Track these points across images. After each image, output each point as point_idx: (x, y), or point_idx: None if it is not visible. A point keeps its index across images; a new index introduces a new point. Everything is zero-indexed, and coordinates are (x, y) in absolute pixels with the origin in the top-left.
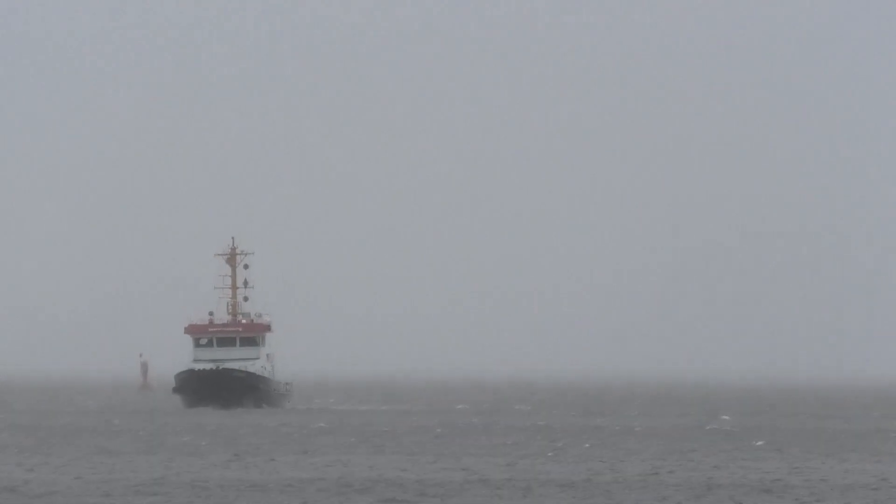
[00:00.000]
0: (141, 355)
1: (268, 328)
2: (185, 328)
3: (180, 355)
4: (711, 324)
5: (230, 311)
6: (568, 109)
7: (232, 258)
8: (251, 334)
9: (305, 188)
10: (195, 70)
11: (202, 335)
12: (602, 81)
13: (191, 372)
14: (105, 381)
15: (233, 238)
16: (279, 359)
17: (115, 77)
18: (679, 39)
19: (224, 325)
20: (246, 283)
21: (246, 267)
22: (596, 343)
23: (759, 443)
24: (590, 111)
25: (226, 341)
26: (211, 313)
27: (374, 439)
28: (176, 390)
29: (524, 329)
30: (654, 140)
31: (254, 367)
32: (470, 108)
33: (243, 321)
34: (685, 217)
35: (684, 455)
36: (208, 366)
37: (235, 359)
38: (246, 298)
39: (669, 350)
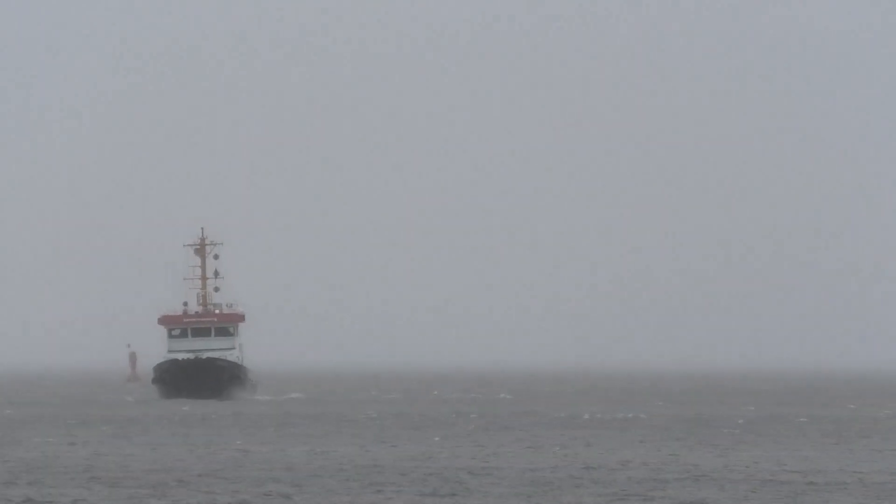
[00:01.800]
0: (129, 346)
1: (241, 318)
2: (159, 319)
3: (157, 346)
4: (713, 318)
5: (201, 301)
6: (571, 107)
7: (201, 249)
8: (226, 324)
9: (277, 179)
10: (169, 62)
11: (176, 325)
12: (608, 78)
13: (173, 362)
14: (96, 373)
15: (202, 228)
16: (248, 349)
17: (87, 70)
18: (679, 39)
19: (199, 315)
20: (217, 274)
21: (216, 257)
22: (594, 339)
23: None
24: (593, 109)
25: (201, 331)
26: (185, 304)
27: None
28: (155, 381)
29: (498, 323)
30: (654, 141)
31: (231, 357)
32: (457, 101)
33: (216, 311)
34: (685, 216)
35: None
36: (188, 356)
37: (211, 349)
38: (217, 289)
39: (667, 345)
